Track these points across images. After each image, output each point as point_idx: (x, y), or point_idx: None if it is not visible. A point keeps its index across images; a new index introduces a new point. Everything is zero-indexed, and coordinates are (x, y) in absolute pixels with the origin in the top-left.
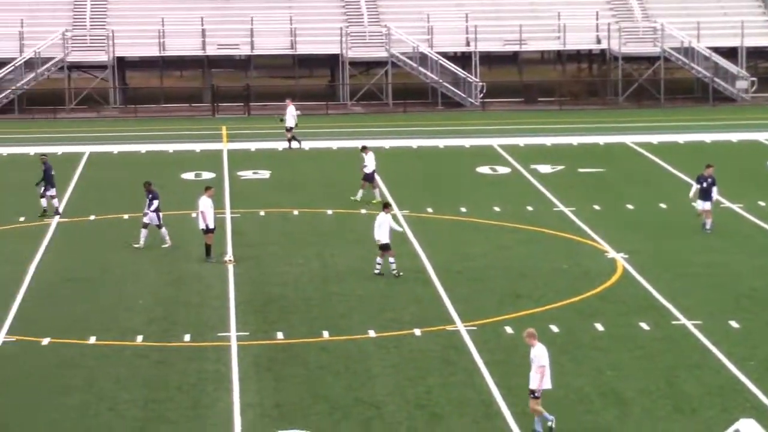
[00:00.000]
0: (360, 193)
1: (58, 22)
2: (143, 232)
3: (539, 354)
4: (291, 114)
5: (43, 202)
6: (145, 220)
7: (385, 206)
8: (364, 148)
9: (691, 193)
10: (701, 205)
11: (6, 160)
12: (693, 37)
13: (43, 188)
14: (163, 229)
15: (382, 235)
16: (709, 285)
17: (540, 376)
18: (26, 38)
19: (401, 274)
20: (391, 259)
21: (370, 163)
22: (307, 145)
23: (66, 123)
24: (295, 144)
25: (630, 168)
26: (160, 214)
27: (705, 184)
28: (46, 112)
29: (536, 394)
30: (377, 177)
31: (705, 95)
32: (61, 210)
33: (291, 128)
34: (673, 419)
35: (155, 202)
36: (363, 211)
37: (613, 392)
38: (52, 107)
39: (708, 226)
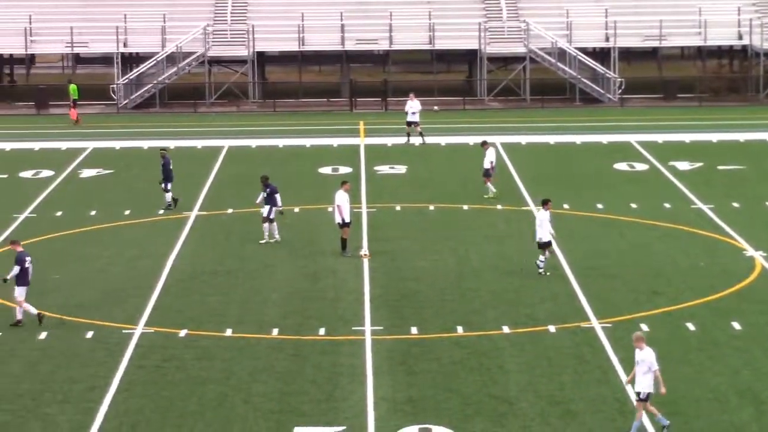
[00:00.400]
0: (490, 190)
1: (200, 17)
2: (273, 226)
3: (647, 358)
4: (416, 108)
5: (168, 196)
6: (271, 215)
7: (545, 202)
8: (485, 143)
9: None
10: None
11: (147, 154)
12: None
13: (163, 182)
14: (266, 225)
15: (543, 234)
16: None
17: (655, 378)
18: (168, 33)
19: (547, 273)
20: (544, 257)
21: (490, 157)
22: (443, 140)
23: (206, 117)
24: (415, 139)
25: None
26: (273, 209)
27: None
28: (187, 106)
29: (641, 397)
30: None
31: None
32: (173, 204)
33: (417, 123)
34: None
35: (277, 196)
36: (499, 206)
37: (750, 392)
38: (192, 101)
39: None
